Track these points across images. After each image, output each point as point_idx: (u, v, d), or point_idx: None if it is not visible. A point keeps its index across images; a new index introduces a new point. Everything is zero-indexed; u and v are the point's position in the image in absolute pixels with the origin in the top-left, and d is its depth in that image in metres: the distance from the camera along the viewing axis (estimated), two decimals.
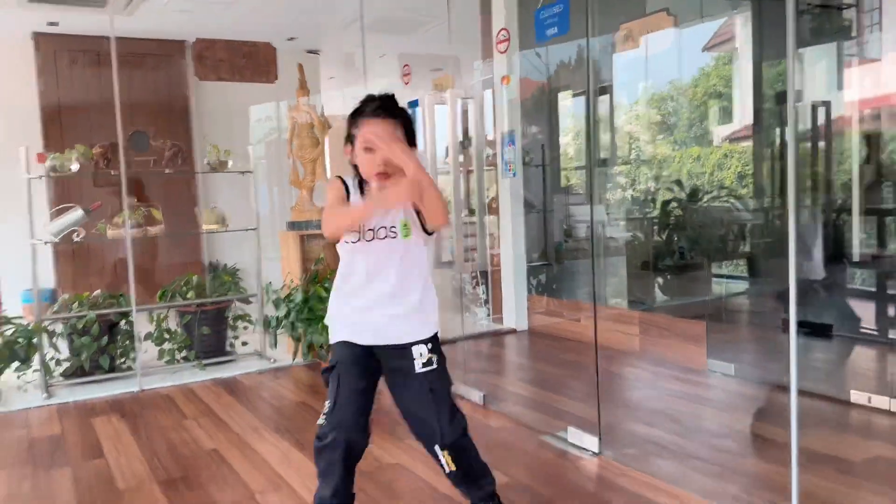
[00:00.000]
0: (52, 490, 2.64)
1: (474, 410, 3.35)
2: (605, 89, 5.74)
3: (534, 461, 2.72)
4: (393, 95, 1.94)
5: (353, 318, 1.96)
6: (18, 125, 6.22)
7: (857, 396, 3.20)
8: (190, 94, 6.75)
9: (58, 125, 6.31)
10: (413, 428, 2.00)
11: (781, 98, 5.34)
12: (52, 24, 5.92)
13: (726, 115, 5.99)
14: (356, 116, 1.91)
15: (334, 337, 1.99)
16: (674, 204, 5.91)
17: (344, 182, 1.95)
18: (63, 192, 5.79)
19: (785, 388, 3.46)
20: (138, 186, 5.59)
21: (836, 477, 2.46)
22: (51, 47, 6.28)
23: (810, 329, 4.47)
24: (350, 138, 1.93)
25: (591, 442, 2.73)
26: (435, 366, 1.95)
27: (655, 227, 5.79)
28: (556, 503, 2.33)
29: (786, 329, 4.31)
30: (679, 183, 6.08)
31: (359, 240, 1.91)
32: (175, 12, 5.72)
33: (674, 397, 3.53)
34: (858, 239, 4.34)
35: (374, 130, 1.86)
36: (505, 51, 4.64)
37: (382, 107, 1.89)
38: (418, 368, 1.93)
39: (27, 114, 6.24)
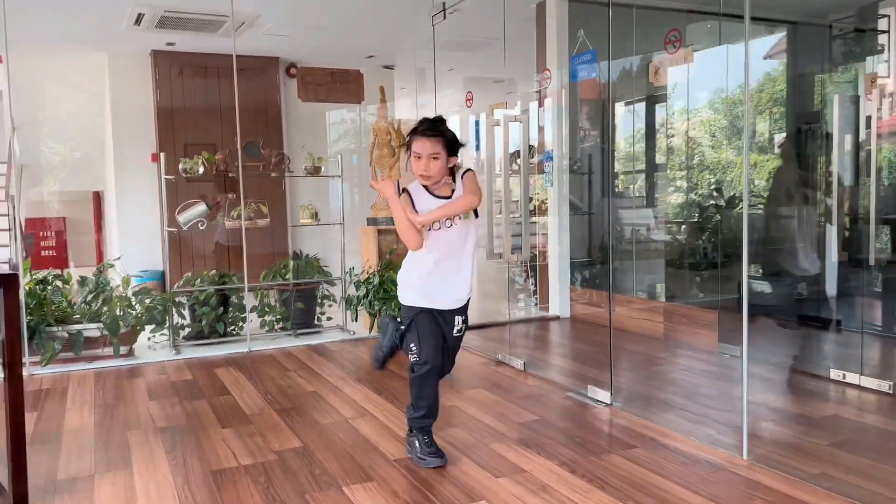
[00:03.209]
0: (197, 413, 3.56)
1: (517, 374, 4.15)
2: (660, 98, 6.35)
3: (559, 407, 3.50)
4: (441, 118, 2.75)
5: (428, 289, 2.78)
6: (135, 128, 7.33)
7: (835, 374, 3.86)
8: (282, 104, 7.74)
9: (170, 130, 7.38)
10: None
11: (804, 116, 5.92)
12: (169, 44, 6.97)
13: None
14: (412, 134, 2.74)
15: (415, 303, 2.81)
16: (713, 210, 6.52)
17: (407, 190, 2.75)
18: (175, 190, 6.84)
19: (776, 366, 4.16)
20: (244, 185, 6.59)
21: (787, 425, 3.16)
22: (166, 63, 7.35)
23: (819, 323, 5.11)
24: (408, 147, 2.75)
25: (604, 395, 3.50)
26: (463, 331, 2.83)
27: (695, 231, 6.39)
28: (572, 431, 3.12)
29: (790, 321, 5.01)
30: (719, 190, 6.68)
31: (440, 227, 2.72)
32: (271, 35, 6.69)
33: (682, 371, 4.26)
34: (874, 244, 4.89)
35: (422, 146, 2.66)
36: (548, 86, 5.43)
37: (430, 128, 2.66)
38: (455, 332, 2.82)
39: (143, 120, 7.33)
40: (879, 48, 5.85)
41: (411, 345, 2.78)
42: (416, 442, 2.82)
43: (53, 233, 8.15)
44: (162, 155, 4.90)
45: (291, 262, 5.35)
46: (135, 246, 7.19)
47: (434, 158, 2.65)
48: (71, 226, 8.30)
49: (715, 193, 6.63)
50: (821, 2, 5.92)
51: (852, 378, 3.77)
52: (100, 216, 8.47)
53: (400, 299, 2.85)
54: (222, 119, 7.44)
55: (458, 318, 2.81)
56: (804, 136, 5.91)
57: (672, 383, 3.96)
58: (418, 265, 2.80)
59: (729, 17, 5.17)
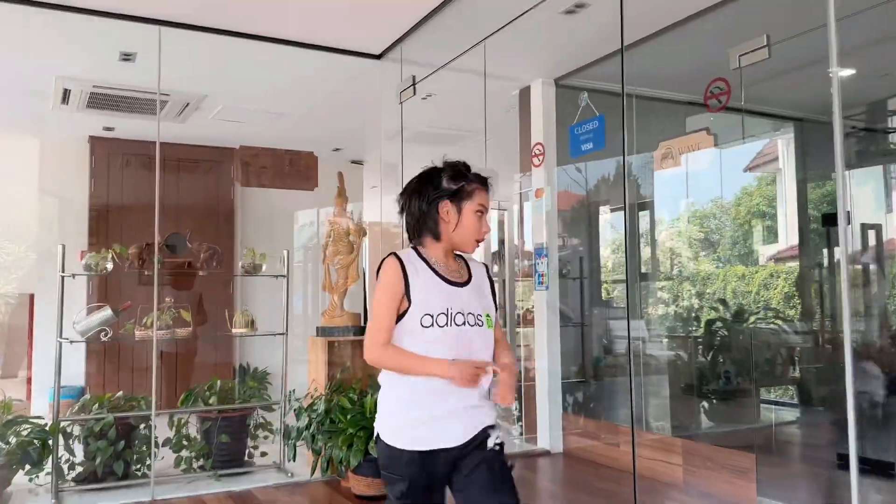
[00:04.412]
0: None
1: None
2: (646, 205, 5.68)
3: None
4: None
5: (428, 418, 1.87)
6: (67, 223, 6.45)
7: None
8: (235, 199, 6.92)
9: (105, 224, 6.49)
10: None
11: (828, 219, 5.20)
12: (107, 128, 6.21)
13: (771, 234, 5.87)
14: (463, 178, 1.93)
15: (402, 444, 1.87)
16: (718, 324, 5.70)
17: (400, 259, 1.87)
18: (104, 289, 5.88)
19: None
20: (178, 285, 5.65)
21: None
22: (105, 150, 6.55)
23: (869, 466, 4.11)
24: (454, 196, 1.90)
25: None
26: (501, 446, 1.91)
27: (700, 347, 5.56)
28: None
29: (844, 465, 3.97)
30: (724, 302, 5.88)
31: (447, 324, 1.85)
32: (225, 121, 5.95)
33: None
34: None
35: (486, 199, 1.94)
36: (540, 164, 4.68)
37: (483, 178, 1.97)
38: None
39: (77, 212, 6.46)
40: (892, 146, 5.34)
41: None
42: None
43: None
44: (61, 247, 3.96)
45: (218, 382, 4.30)
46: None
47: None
48: (9, 332, 7.36)
49: (720, 306, 5.87)
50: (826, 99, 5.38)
51: None
52: (31, 321, 7.51)
53: (379, 434, 1.92)
54: (167, 216, 6.61)
55: (490, 431, 1.88)
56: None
57: None
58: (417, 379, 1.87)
59: (742, 112, 4.53)
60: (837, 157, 2.17)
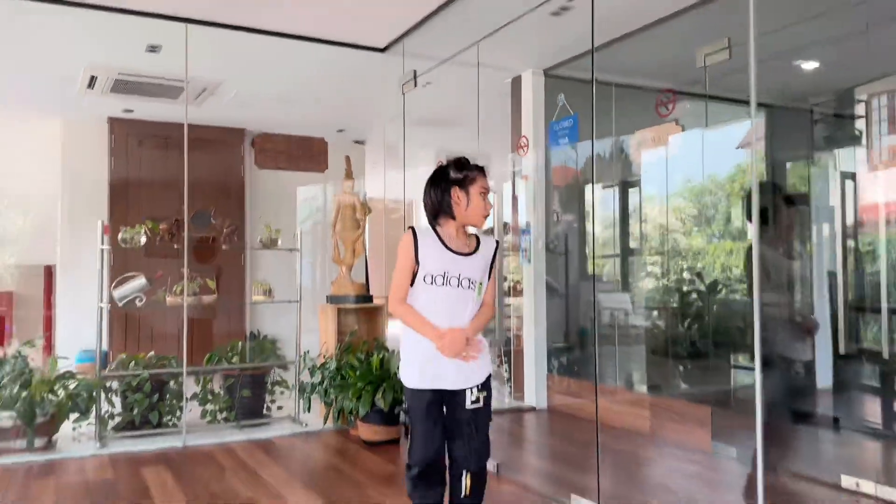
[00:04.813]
0: None
1: (489, 478, 3.61)
2: (634, 183, 6.13)
3: None
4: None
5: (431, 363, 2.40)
6: (88, 199, 6.89)
7: (847, 481, 3.40)
8: (245, 176, 7.37)
9: (124, 201, 6.93)
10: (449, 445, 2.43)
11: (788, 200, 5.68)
12: (127, 110, 6.62)
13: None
14: (468, 169, 2.43)
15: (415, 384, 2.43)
16: (694, 296, 6.19)
17: (414, 233, 2.40)
18: (122, 260, 6.36)
19: (779, 472, 3.68)
20: (199, 258, 6.12)
21: None
22: (123, 131, 6.98)
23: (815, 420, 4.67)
24: (460, 183, 2.40)
25: None
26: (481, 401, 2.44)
27: (677, 317, 6.05)
28: None
29: (793, 418, 4.55)
30: (700, 275, 6.36)
31: (444, 283, 2.37)
32: (238, 106, 6.38)
33: (674, 474, 3.76)
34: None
35: (486, 183, 2.43)
36: (525, 154, 5.15)
37: (478, 165, 2.47)
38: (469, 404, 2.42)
39: (97, 189, 6.90)
40: (857, 133, 5.74)
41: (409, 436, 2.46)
42: None
43: None
44: (100, 222, 4.44)
45: (240, 344, 4.81)
46: (80, 323, 6.62)
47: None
48: (22, 301, 7.76)
49: (696, 279, 6.34)
50: (801, 84, 5.80)
51: (867, 487, 3.31)
52: (50, 291, 7.94)
53: (401, 379, 2.49)
54: (181, 192, 7.06)
55: (473, 390, 2.41)
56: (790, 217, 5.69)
57: (666, 490, 3.46)
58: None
59: (714, 98, 4.98)
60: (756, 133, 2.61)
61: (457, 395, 2.40)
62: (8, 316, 7.69)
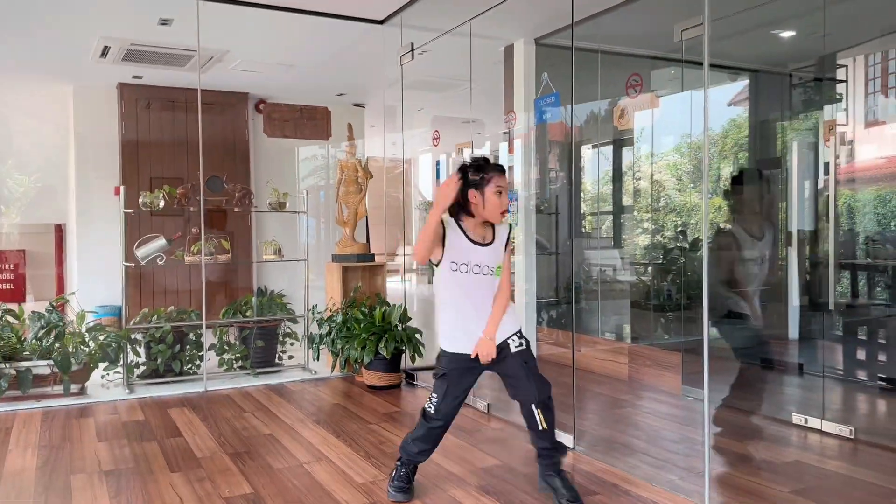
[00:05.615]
0: (146, 456, 3.42)
1: (480, 416, 4.07)
2: (627, 142, 6.45)
3: (521, 451, 3.43)
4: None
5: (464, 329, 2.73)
6: (99, 161, 7.22)
7: (797, 418, 3.85)
8: (249, 139, 7.69)
9: (135, 163, 7.26)
10: (513, 392, 2.79)
11: (765, 162, 6.04)
12: (136, 77, 6.91)
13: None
14: (485, 171, 2.67)
15: (451, 347, 2.77)
16: (677, 252, 6.57)
17: (442, 223, 2.68)
18: (137, 222, 6.72)
19: (737, 409, 4.15)
20: (212, 221, 6.48)
21: (749, 470, 3.12)
22: (133, 95, 7.26)
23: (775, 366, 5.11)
24: (477, 185, 2.65)
25: (567, 439, 3.43)
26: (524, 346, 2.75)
27: (661, 273, 6.44)
28: (534, 478, 3.04)
29: (757, 364, 5.01)
30: (683, 233, 6.75)
31: (467, 271, 2.68)
32: (241, 72, 6.67)
33: (646, 414, 4.21)
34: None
35: (504, 181, 2.66)
36: (512, 127, 5.51)
37: (496, 164, 2.70)
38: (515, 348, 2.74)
39: (107, 152, 7.22)
40: (838, 97, 6.03)
41: (434, 393, 2.78)
42: (396, 470, 2.84)
43: (11, 265, 7.94)
44: (122, 188, 4.80)
45: (254, 299, 5.23)
46: (94, 280, 7.01)
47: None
48: (32, 259, 8.10)
49: (680, 236, 6.71)
50: (781, 51, 6.09)
51: (814, 423, 3.76)
52: (61, 249, 8.29)
53: (441, 347, 2.81)
54: (188, 153, 7.36)
55: (514, 338, 2.74)
56: (765, 180, 6.03)
57: (635, 427, 3.92)
58: (450, 305, 2.75)
59: (691, 63, 5.29)
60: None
61: (501, 350, 2.70)
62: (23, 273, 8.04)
